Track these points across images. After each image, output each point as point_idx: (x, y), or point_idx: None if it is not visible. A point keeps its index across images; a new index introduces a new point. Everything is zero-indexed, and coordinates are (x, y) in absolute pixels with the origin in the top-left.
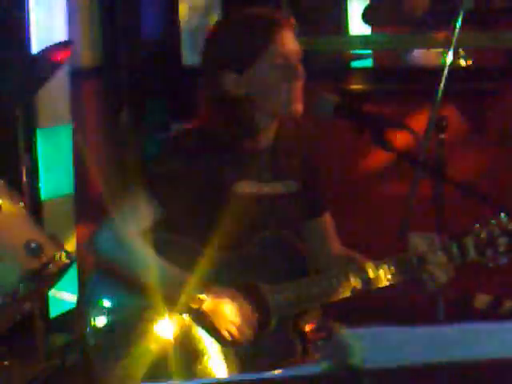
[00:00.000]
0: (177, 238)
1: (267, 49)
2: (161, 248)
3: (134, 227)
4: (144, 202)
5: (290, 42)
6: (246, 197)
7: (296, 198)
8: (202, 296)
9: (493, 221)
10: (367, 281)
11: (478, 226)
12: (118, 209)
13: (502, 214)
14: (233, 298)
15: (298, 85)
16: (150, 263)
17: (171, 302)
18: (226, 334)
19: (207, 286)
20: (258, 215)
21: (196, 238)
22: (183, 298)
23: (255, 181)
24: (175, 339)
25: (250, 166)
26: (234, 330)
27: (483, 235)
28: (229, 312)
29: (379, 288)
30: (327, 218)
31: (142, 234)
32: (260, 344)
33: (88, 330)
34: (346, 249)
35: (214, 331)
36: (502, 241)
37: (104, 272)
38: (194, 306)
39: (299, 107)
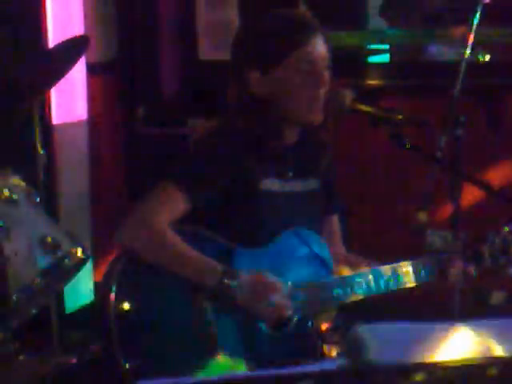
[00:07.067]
0: (201, 231)
1: (294, 52)
2: (185, 240)
3: (164, 218)
4: (174, 194)
5: (318, 48)
6: (270, 194)
7: (316, 196)
8: (231, 282)
9: (506, 228)
10: (384, 283)
11: (492, 232)
12: (148, 200)
13: None
14: (262, 278)
15: (321, 93)
16: (181, 252)
17: (202, 290)
18: (265, 313)
19: (234, 272)
20: (282, 212)
21: (220, 232)
22: (211, 286)
23: (279, 178)
24: (193, 330)
25: (274, 164)
26: (272, 309)
27: (498, 242)
28: (263, 290)
29: (395, 290)
30: (336, 219)
31: (171, 225)
32: (279, 341)
33: (114, 320)
34: (349, 254)
35: (252, 313)
36: None
37: (134, 262)
38: (225, 292)
39: (319, 117)
